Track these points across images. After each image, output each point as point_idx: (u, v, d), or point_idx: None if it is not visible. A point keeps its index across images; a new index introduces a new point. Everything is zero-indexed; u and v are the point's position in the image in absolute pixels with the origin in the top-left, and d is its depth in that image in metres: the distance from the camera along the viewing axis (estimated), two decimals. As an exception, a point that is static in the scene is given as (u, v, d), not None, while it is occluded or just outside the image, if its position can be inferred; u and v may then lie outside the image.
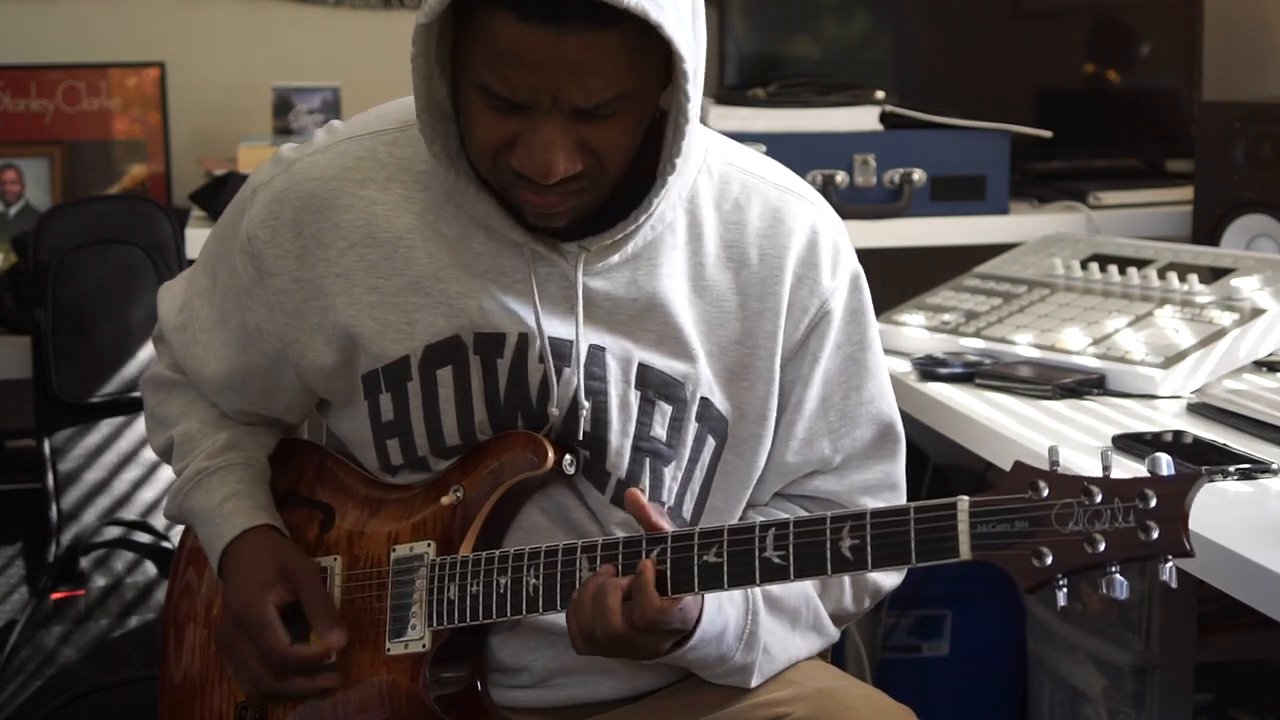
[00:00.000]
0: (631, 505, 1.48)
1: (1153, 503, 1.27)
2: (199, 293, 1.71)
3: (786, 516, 1.44)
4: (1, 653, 2.46)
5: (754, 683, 1.60)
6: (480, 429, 1.60)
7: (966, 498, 1.34)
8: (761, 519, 1.46)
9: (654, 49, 1.44)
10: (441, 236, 1.57)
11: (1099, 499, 1.29)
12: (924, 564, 1.37)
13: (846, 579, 1.67)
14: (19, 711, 2.35)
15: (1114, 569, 1.29)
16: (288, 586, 1.61)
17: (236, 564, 1.63)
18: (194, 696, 1.73)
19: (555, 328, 1.56)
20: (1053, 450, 1.33)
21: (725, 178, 1.62)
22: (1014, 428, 1.95)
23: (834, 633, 1.69)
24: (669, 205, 1.56)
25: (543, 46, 1.39)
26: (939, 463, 2.98)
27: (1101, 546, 1.28)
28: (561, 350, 1.56)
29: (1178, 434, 1.85)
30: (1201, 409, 1.96)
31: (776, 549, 1.42)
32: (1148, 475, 1.29)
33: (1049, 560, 1.30)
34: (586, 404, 1.57)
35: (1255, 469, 1.72)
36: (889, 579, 1.71)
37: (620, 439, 1.59)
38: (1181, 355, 2.07)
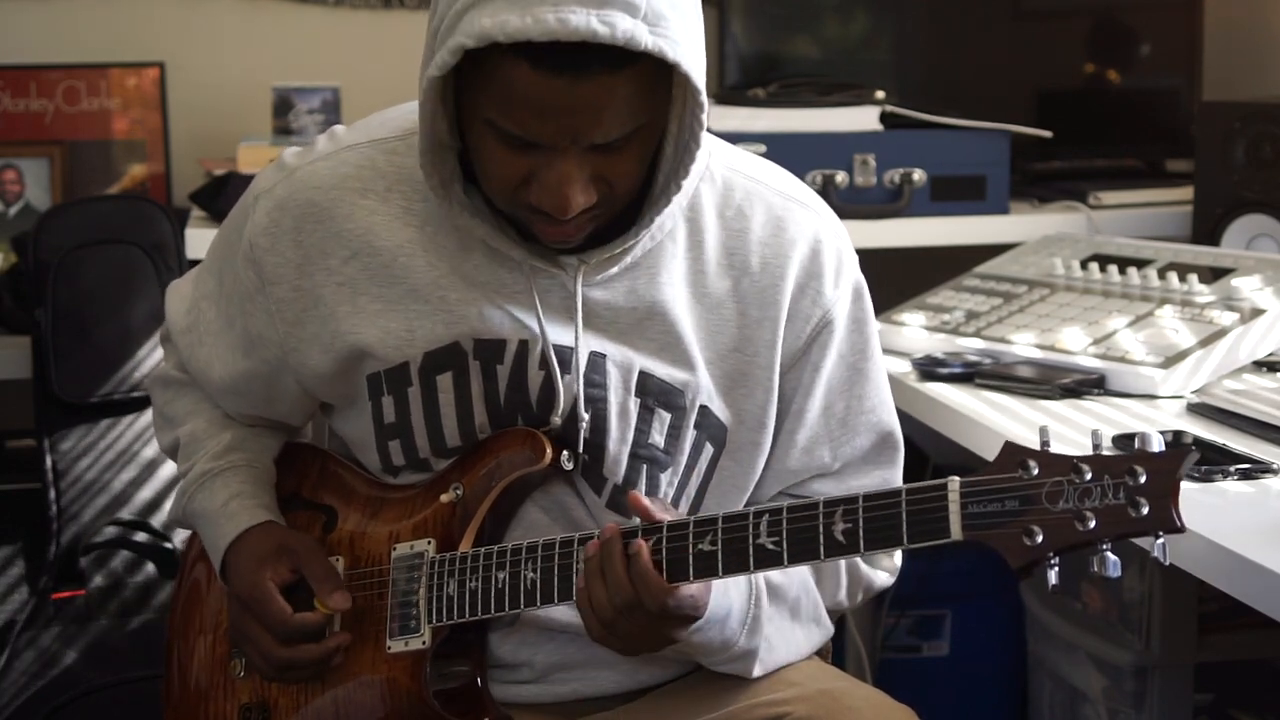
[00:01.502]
0: (635, 510, 1.48)
1: (1142, 479, 1.27)
2: (206, 295, 1.71)
3: (780, 504, 1.44)
4: (1, 653, 2.46)
5: (755, 672, 1.60)
6: (481, 431, 1.60)
7: (957, 478, 1.34)
8: (755, 506, 1.46)
9: (665, 77, 1.44)
10: (441, 247, 1.57)
11: (1089, 476, 1.29)
12: (916, 545, 1.36)
13: (843, 572, 1.67)
14: (19, 711, 2.35)
15: (1105, 547, 1.29)
16: (287, 563, 1.61)
17: (238, 557, 1.63)
18: (199, 701, 1.73)
19: (556, 335, 1.56)
20: (1043, 430, 1.33)
21: (728, 184, 1.62)
22: (1014, 428, 1.95)
23: (830, 626, 1.69)
24: (669, 215, 1.57)
25: (560, 93, 1.39)
26: (939, 463, 2.98)
27: (1092, 524, 1.28)
28: (562, 357, 1.56)
29: (1178, 434, 1.85)
30: (1201, 409, 1.96)
31: (770, 535, 1.42)
32: (1137, 451, 1.29)
33: (1040, 539, 1.29)
34: (586, 416, 1.57)
35: (1255, 469, 1.72)
36: (881, 577, 1.71)
37: (618, 446, 1.59)
38: (1181, 355, 2.07)
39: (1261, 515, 1.60)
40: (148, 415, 2.55)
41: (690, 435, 1.61)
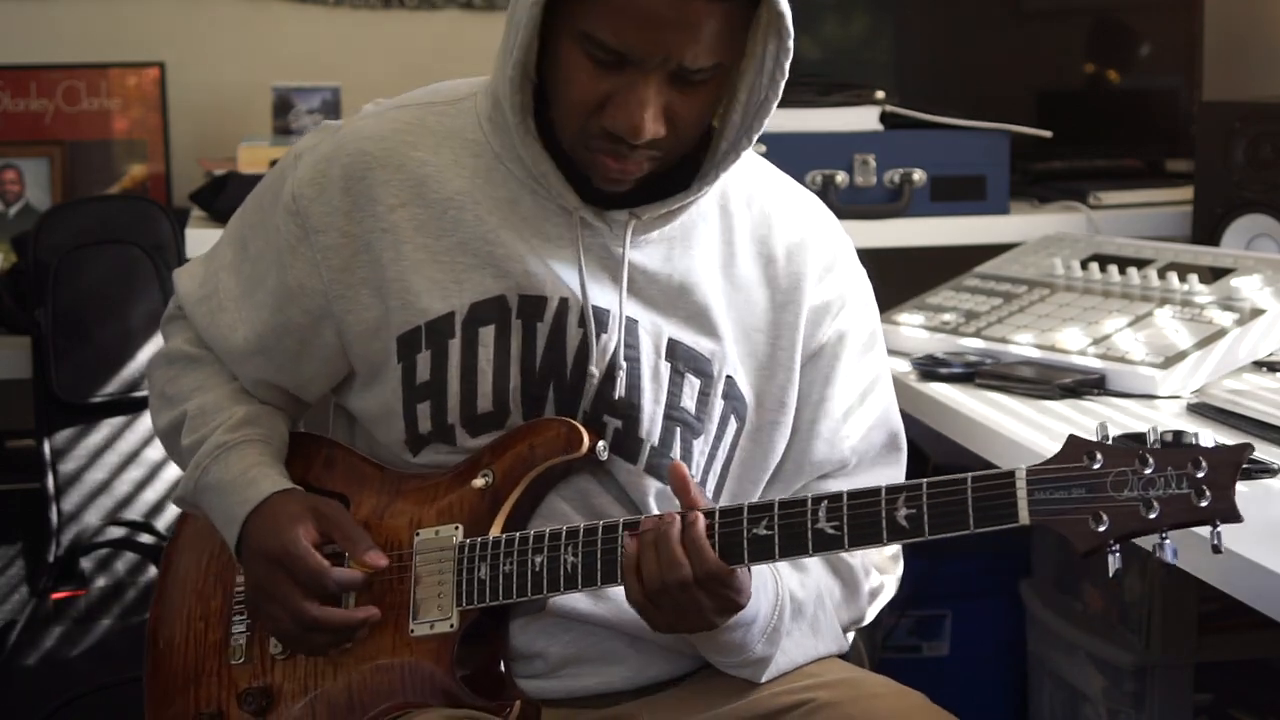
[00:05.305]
0: (675, 477, 1.50)
1: (1204, 471, 1.32)
2: (224, 266, 1.73)
3: (838, 489, 1.46)
4: (1, 653, 2.46)
5: (764, 678, 1.62)
6: (514, 395, 1.61)
7: (1024, 466, 1.38)
8: (813, 494, 1.47)
9: (746, 26, 1.51)
10: (491, 199, 1.60)
11: (1152, 468, 1.34)
12: (981, 529, 1.39)
13: (838, 589, 1.70)
14: (19, 711, 2.36)
15: (1165, 536, 1.33)
16: (317, 526, 1.61)
17: (264, 519, 1.61)
18: (188, 691, 1.71)
19: (595, 295, 1.59)
20: (1101, 426, 1.38)
21: (755, 178, 1.69)
22: (1014, 428, 1.95)
23: (844, 642, 1.73)
24: (707, 199, 1.62)
25: (665, 6, 1.44)
26: (939, 463, 2.98)
27: (1156, 512, 1.33)
28: (600, 317, 1.59)
29: (1178, 433, 1.85)
30: (1201, 409, 1.96)
31: (830, 520, 1.44)
32: (1198, 445, 1.34)
33: (1106, 524, 1.34)
34: (624, 365, 1.58)
35: (1255, 469, 1.72)
36: (891, 583, 1.76)
37: (653, 405, 1.61)
38: (1181, 355, 2.07)
39: (1261, 515, 1.60)
40: (149, 415, 2.55)
41: (719, 405, 1.64)
